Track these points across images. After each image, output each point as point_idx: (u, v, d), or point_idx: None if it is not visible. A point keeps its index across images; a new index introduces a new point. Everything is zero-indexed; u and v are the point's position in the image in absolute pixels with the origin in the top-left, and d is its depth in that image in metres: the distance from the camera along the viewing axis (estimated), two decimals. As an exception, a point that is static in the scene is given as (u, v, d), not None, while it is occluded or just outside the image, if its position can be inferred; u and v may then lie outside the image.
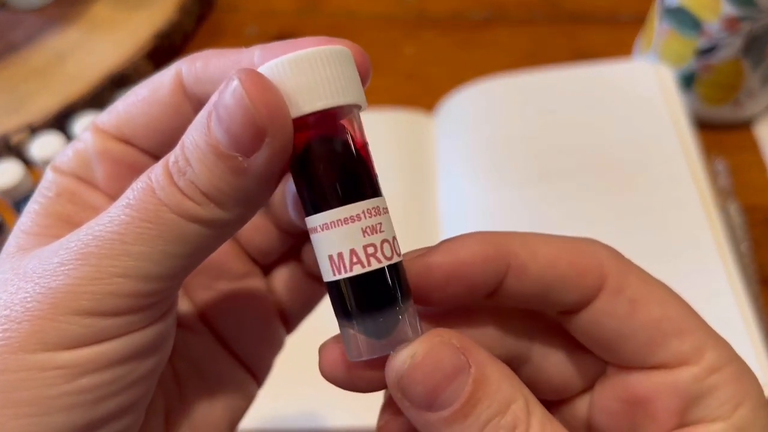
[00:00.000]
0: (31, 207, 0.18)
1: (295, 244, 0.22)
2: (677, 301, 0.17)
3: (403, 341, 0.15)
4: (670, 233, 0.39)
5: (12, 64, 0.52)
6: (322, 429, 0.36)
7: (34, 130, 0.47)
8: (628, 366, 0.17)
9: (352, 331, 0.16)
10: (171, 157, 0.15)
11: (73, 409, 0.15)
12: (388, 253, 0.15)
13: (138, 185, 0.15)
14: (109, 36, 0.53)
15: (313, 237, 0.16)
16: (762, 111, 0.49)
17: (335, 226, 0.15)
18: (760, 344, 0.35)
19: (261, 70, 0.15)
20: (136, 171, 0.18)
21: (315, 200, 0.15)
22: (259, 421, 0.36)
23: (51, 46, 0.53)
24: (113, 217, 0.15)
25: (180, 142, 0.15)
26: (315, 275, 0.22)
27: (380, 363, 0.16)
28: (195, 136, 0.15)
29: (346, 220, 0.15)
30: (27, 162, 0.46)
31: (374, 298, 0.15)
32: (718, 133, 0.49)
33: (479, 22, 0.58)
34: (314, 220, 0.15)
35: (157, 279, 0.15)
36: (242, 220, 0.16)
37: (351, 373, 0.17)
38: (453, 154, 0.45)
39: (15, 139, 0.47)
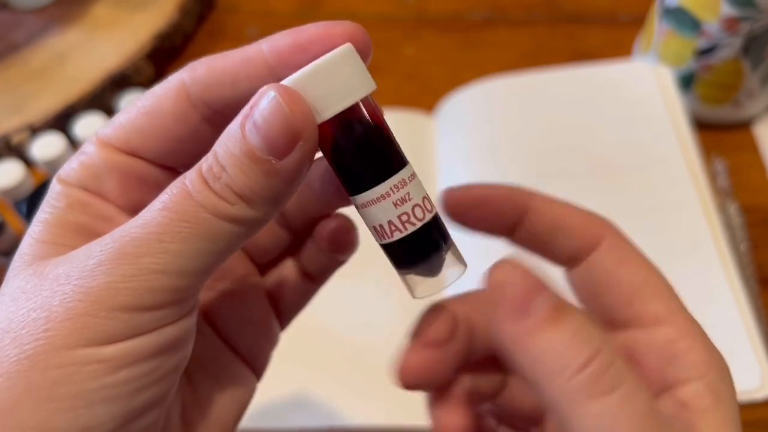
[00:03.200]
0: (42, 216, 0.19)
1: (291, 243, 0.24)
2: (660, 275, 0.20)
3: (455, 272, 0.19)
4: (669, 233, 0.39)
5: (13, 64, 0.52)
6: (321, 428, 0.36)
7: (34, 130, 0.47)
8: (611, 318, 0.20)
9: (408, 276, 0.19)
10: (204, 165, 0.17)
11: (112, 402, 0.16)
12: (420, 215, 0.18)
13: (173, 191, 0.17)
14: (109, 37, 0.53)
15: (359, 212, 0.19)
16: (761, 111, 0.49)
17: (371, 205, 0.18)
18: (759, 344, 0.35)
19: (285, 83, 0.17)
20: (144, 182, 0.19)
21: (349, 186, 0.18)
22: (257, 419, 0.36)
23: (52, 46, 0.53)
24: (148, 219, 0.16)
25: (212, 153, 0.17)
26: (309, 274, 0.24)
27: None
28: (228, 145, 0.16)
29: (378, 199, 0.18)
30: (28, 162, 0.46)
31: (418, 251, 0.18)
32: (717, 133, 0.49)
33: (479, 22, 0.58)
34: (354, 201, 0.18)
35: (190, 274, 0.16)
36: (268, 217, 0.17)
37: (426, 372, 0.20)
38: (453, 154, 0.45)
39: (16, 140, 0.47)
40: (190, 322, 0.18)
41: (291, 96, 0.16)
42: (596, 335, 0.16)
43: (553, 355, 0.16)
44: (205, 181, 0.16)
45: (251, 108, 0.16)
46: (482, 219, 0.21)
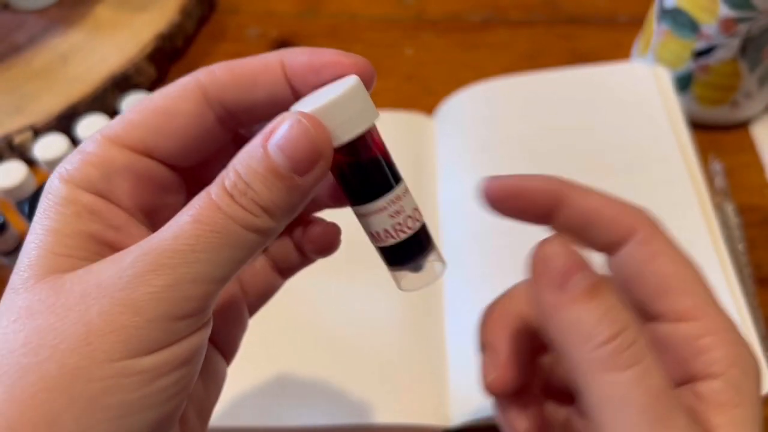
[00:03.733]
0: (49, 224, 0.19)
1: None
2: (692, 270, 0.20)
3: (437, 269, 0.22)
4: (667, 233, 0.39)
5: (15, 65, 0.52)
6: (321, 425, 0.36)
7: (36, 130, 0.48)
8: (642, 310, 0.20)
9: (397, 272, 0.22)
10: (227, 181, 0.18)
11: (148, 410, 0.17)
12: (410, 225, 0.21)
13: (200, 204, 0.18)
14: (111, 38, 0.54)
15: (359, 219, 0.22)
16: (759, 112, 0.50)
17: (370, 215, 0.21)
18: (757, 343, 0.35)
19: (308, 112, 0.19)
20: (155, 183, 0.20)
21: (352, 198, 0.21)
22: (257, 417, 0.37)
23: (54, 47, 0.53)
24: (179, 232, 0.17)
25: (232, 170, 0.18)
26: (279, 268, 0.26)
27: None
28: (251, 164, 0.18)
29: (376, 211, 0.21)
30: (30, 163, 0.47)
31: (407, 254, 0.22)
32: (715, 133, 0.49)
33: (478, 23, 0.58)
34: (355, 210, 0.22)
35: (218, 281, 0.18)
36: (283, 227, 0.19)
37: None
38: (452, 155, 0.46)
39: (18, 140, 0.47)
40: (210, 328, 0.19)
41: (315, 122, 0.18)
42: (624, 316, 0.18)
43: (582, 326, 0.18)
44: (231, 196, 0.18)
45: (272, 131, 0.18)
46: (518, 209, 0.22)
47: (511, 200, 0.22)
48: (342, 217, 0.45)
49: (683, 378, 0.20)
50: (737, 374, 0.19)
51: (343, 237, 0.43)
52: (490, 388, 0.22)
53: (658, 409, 0.17)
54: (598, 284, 0.18)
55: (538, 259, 0.19)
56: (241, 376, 0.38)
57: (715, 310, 0.20)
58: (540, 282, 0.19)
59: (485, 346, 0.23)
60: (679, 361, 0.19)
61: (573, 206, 0.21)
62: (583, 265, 0.18)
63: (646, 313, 0.21)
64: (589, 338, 0.17)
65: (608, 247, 0.21)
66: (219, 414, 0.37)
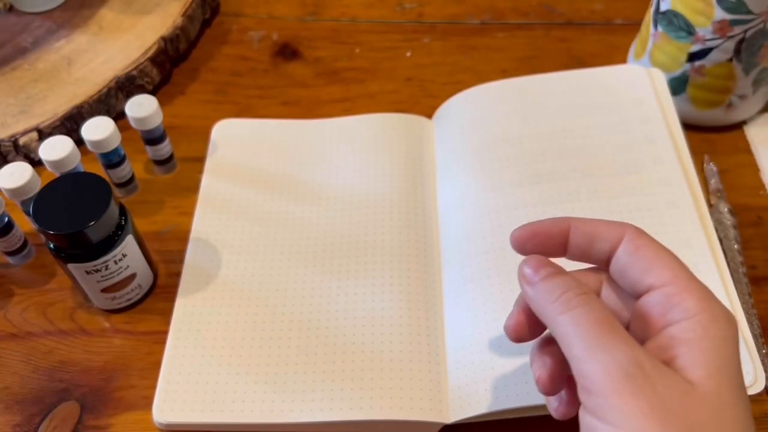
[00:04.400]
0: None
1: None
2: (670, 254, 0.26)
3: None
4: (662, 234, 0.39)
5: (20, 67, 0.53)
6: (320, 423, 0.37)
7: (41, 132, 0.48)
8: (636, 291, 0.26)
9: None
10: None
11: None
12: None
13: None
14: (115, 40, 0.54)
15: None
16: (754, 114, 0.50)
17: None
18: (750, 341, 0.36)
19: None
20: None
21: None
22: (257, 416, 0.37)
23: (58, 49, 0.54)
24: None
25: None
26: None
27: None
28: None
29: None
30: (35, 163, 0.47)
31: None
32: (710, 134, 0.50)
33: (476, 27, 0.59)
34: None
35: None
36: None
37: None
38: (451, 157, 0.46)
39: (23, 141, 0.48)
40: None
41: None
42: (569, 284, 0.26)
43: (547, 293, 0.26)
44: None
45: None
46: (539, 245, 0.28)
47: (531, 240, 0.28)
48: (342, 216, 0.45)
49: (662, 328, 0.25)
50: (706, 318, 0.24)
51: (342, 236, 0.44)
52: (505, 332, 0.29)
53: (596, 334, 0.23)
54: (553, 273, 0.27)
55: (521, 265, 0.28)
56: (241, 375, 0.38)
57: (688, 277, 0.25)
58: (523, 277, 0.27)
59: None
60: (659, 315, 0.25)
61: (577, 230, 0.28)
62: (546, 263, 0.27)
63: (639, 293, 0.26)
64: (550, 298, 0.25)
65: (609, 256, 0.27)
66: (220, 412, 0.37)
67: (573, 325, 0.24)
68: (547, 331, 0.28)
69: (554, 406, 0.28)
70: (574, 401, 0.27)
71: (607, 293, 0.28)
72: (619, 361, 0.23)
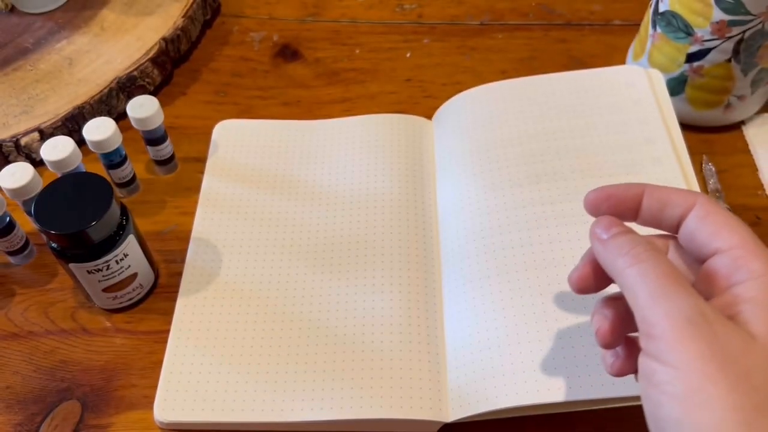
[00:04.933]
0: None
1: None
2: (737, 221, 0.27)
3: None
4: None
5: (22, 67, 0.53)
6: (320, 421, 0.37)
7: (43, 132, 0.49)
8: (704, 253, 0.27)
9: None
10: None
11: None
12: None
13: None
14: (117, 41, 0.55)
15: None
16: (752, 114, 0.50)
17: None
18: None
19: None
20: None
21: None
22: (257, 414, 0.37)
23: (60, 50, 0.54)
24: None
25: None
26: None
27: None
28: None
29: None
30: (36, 164, 0.48)
31: None
32: (708, 134, 0.50)
33: (476, 28, 0.59)
34: None
35: None
36: None
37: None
38: (451, 157, 0.46)
39: (25, 141, 0.48)
40: None
41: None
42: (636, 241, 0.27)
43: (617, 248, 0.27)
44: None
45: None
46: (612, 207, 0.29)
47: (606, 202, 0.29)
48: (342, 216, 0.45)
49: (728, 287, 0.25)
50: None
51: (342, 236, 0.44)
52: (569, 283, 0.30)
53: (662, 284, 0.24)
54: (623, 231, 0.28)
55: (593, 225, 0.29)
56: (242, 374, 0.38)
57: (755, 242, 0.26)
58: (594, 235, 0.28)
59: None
60: (725, 276, 0.26)
61: (650, 195, 0.29)
62: (617, 223, 0.28)
63: (707, 255, 0.27)
64: (620, 253, 0.26)
65: (679, 221, 0.28)
66: (220, 411, 0.37)
67: (640, 276, 0.25)
68: (610, 288, 0.29)
69: (610, 362, 0.29)
70: (630, 359, 0.28)
71: (674, 258, 0.29)
72: (683, 308, 0.24)
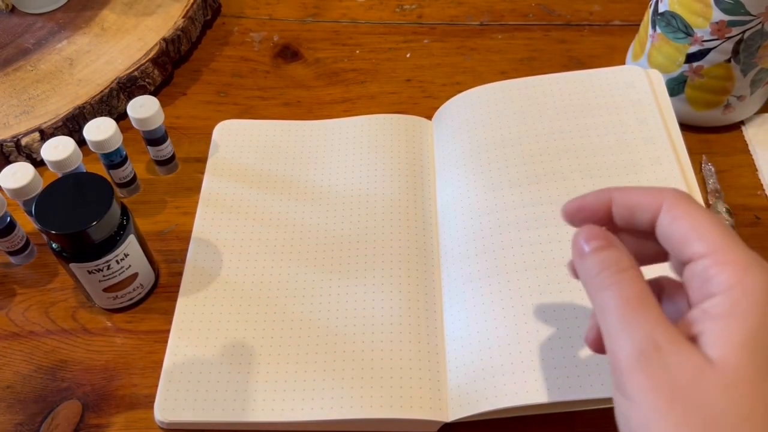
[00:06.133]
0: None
1: None
2: (707, 220, 0.25)
3: None
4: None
5: (22, 68, 0.53)
6: (319, 421, 0.37)
7: (44, 132, 0.49)
8: (680, 260, 0.26)
9: None
10: None
11: None
12: None
13: None
14: (117, 41, 0.55)
15: None
16: (752, 114, 0.50)
17: None
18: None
19: None
20: None
21: None
22: (257, 414, 0.37)
23: (60, 50, 0.54)
24: None
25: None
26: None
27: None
28: None
29: None
30: (37, 164, 0.48)
31: None
32: (708, 135, 0.50)
33: (475, 28, 0.59)
34: None
35: None
36: None
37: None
38: (451, 157, 0.46)
39: (25, 141, 0.48)
40: None
41: None
42: (612, 258, 0.26)
43: (588, 268, 0.26)
44: None
45: None
46: (586, 219, 0.28)
47: (577, 214, 0.29)
48: (342, 216, 0.45)
49: (702, 297, 0.25)
50: (737, 292, 0.23)
51: (342, 236, 0.44)
52: (586, 343, 0.29)
53: (621, 313, 0.24)
54: (600, 246, 0.26)
55: (575, 235, 0.28)
56: (242, 373, 0.39)
57: (729, 249, 0.24)
58: (576, 247, 0.27)
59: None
60: (697, 289, 0.25)
61: (618, 202, 0.28)
62: (597, 235, 0.27)
63: (683, 261, 0.26)
64: (590, 275, 0.26)
65: (652, 225, 0.27)
66: (221, 411, 0.37)
67: (605, 303, 0.25)
68: None
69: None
70: None
71: (674, 259, 0.28)
72: (636, 339, 0.23)
